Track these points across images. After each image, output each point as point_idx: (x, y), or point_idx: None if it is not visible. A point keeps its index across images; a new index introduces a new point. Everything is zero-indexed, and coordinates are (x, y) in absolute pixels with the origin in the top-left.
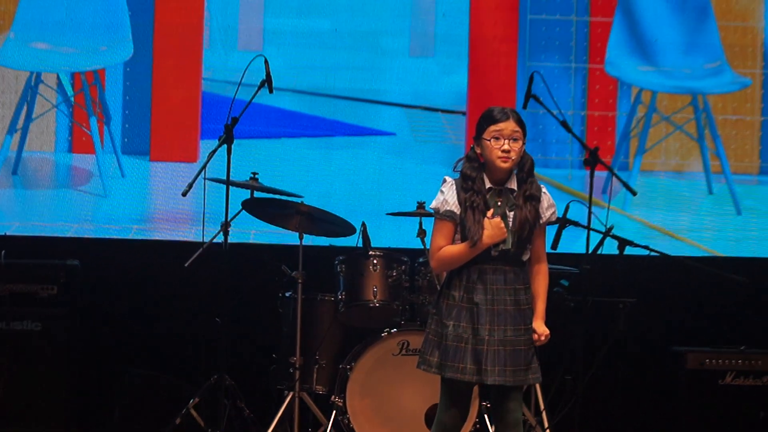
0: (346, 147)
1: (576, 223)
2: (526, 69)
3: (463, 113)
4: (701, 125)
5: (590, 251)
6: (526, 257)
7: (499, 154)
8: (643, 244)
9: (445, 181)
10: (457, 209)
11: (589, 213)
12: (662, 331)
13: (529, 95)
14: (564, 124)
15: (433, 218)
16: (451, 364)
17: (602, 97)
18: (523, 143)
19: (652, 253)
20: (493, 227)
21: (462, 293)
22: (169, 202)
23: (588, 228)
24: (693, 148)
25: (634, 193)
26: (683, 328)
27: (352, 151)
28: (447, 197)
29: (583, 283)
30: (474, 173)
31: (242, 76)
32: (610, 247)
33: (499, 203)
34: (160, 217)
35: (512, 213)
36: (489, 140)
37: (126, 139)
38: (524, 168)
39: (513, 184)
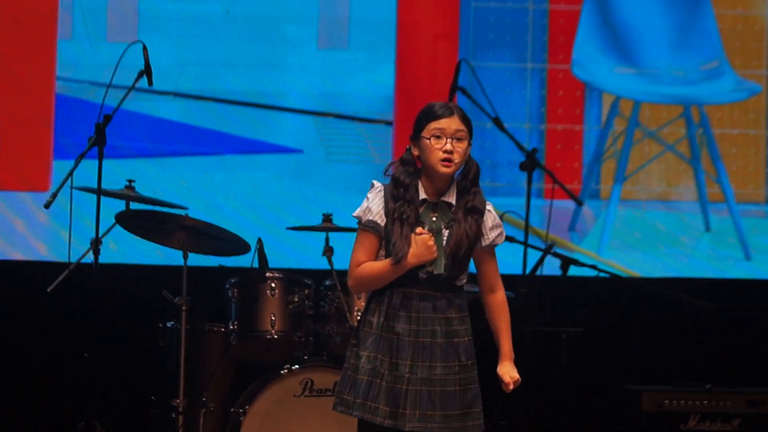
0: (239, 168)
1: (511, 239)
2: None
3: (389, 123)
4: (696, 143)
5: (528, 272)
6: (461, 282)
7: (441, 155)
8: (591, 263)
9: (372, 186)
10: (381, 220)
11: (526, 226)
12: (613, 366)
13: (455, 87)
14: (497, 121)
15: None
16: (362, 402)
17: (566, 106)
18: (469, 145)
19: (602, 274)
20: (419, 245)
21: (381, 320)
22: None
23: (525, 244)
24: (684, 171)
25: (580, 203)
26: (638, 362)
27: (246, 173)
28: (372, 205)
29: (519, 309)
30: (407, 179)
31: (114, 71)
32: (552, 267)
33: (434, 218)
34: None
35: (448, 231)
36: (429, 139)
37: None
38: (468, 175)
39: (452, 197)
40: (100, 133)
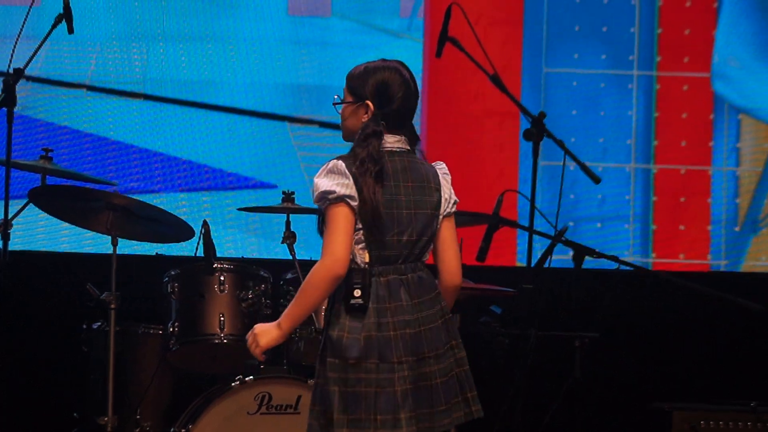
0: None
1: (514, 224)
2: (540, 73)
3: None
4: None
5: (533, 264)
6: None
7: None
8: (611, 254)
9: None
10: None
11: (532, 207)
12: (637, 379)
13: (445, 38)
14: (495, 79)
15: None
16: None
17: (689, 135)
18: (350, 105)
19: (624, 267)
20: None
21: None
22: None
23: (530, 230)
24: None
25: (597, 181)
26: (668, 375)
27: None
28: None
29: (522, 309)
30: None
31: (24, 20)
32: (563, 259)
33: None
34: None
35: None
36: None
37: None
38: (358, 137)
39: None
40: (9, 91)
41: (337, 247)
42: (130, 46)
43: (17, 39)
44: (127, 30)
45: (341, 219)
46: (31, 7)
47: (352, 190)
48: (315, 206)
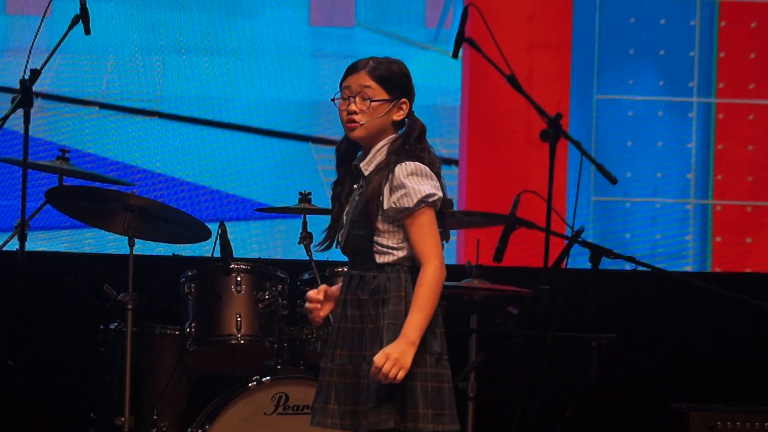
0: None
1: (531, 224)
2: (590, 99)
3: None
4: None
5: (550, 264)
6: (385, 258)
7: (345, 117)
8: (628, 255)
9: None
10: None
11: (548, 208)
12: (654, 380)
13: (461, 38)
14: (511, 80)
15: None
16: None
17: (755, 169)
18: (382, 103)
19: (641, 268)
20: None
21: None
22: None
23: (547, 231)
24: None
25: (614, 182)
26: (685, 376)
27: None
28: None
29: (539, 310)
30: (341, 147)
31: (40, 23)
32: (580, 259)
33: (355, 187)
34: None
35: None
36: (335, 101)
37: None
38: (410, 135)
39: (372, 161)
40: (26, 91)
41: (441, 250)
42: (145, 60)
43: (30, 50)
44: (141, 43)
45: (435, 221)
46: (43, 17)
47: (440, 192)
48: (322, 206)
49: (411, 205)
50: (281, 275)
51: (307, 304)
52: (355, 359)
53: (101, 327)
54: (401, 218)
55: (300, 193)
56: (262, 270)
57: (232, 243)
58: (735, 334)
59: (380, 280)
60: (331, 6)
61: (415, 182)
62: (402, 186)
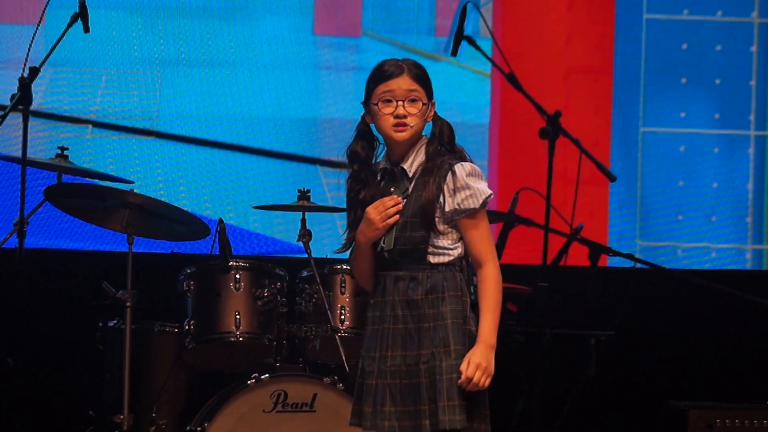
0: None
1: (529, 222)
2: (635, 132)
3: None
4: None
5: (549, 262)
6: (440, 258)
7: (392, 121)
8: (627, 252)
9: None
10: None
11: (547, 206)
12: (653, 377)
13: (461, 36)
14: (511, 78)
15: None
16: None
17: None
18: (427, 105)
19: (640, 265)
20: (364, 219)
21: (370, 311)
22: None
23: (546, 228)
24: None
25: (612, 179)
26: (684, 373)
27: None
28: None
29: (538, 307)
30: (363, 153)
31: (42, 16)
32: (579, 256)
33: (392, 189)
34: None
35: (406, 201)
36: (377, 104)
37: None
38: (441, 137)
39: (413, 162)
40: (25, 89)
41: (496, 250)
42: (141, 75)
43: (26, 61)
44: (138, 57)
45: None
46: (38, 27)
47: None
48: (319, 204)
49: (476, 205)
50: (280, 272)
51: (388, 200)
52: (410, 359)
53: (100, 324)
54: (458, 218)
55: (299, 191)
56: (260, 267)
57: (230, 240)
58: (734, 331)
59: (436, 279)
60: (336, 14)
61: (475, 182)
62: (467, 187)
